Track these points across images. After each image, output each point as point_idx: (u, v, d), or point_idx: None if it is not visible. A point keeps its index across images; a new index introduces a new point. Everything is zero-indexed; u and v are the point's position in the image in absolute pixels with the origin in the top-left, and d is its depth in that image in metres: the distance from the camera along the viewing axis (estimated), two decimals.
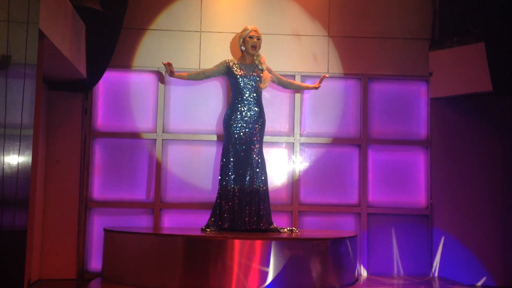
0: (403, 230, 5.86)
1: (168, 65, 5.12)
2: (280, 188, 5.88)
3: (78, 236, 5.63)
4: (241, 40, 5.34)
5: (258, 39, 5.29)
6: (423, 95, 6.05)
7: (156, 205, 5.77)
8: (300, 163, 5.92)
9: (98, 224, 5.69)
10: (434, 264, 5.78)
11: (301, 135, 5.94)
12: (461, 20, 5.82)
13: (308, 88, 5.68)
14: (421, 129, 6.03)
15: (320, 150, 5.96)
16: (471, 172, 5.89)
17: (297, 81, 5.87)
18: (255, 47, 5.28)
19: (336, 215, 5.87)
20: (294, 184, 5.86)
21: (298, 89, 5.81)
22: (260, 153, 5.25)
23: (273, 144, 5.90)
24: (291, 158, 5.93)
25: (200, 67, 5.87)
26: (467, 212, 5.84)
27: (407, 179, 5.97)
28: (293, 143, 5.92)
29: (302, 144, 5.93)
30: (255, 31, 5.30)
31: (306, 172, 5.92)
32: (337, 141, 5.97)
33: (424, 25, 6.07)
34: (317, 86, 5.58)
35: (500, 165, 5.89)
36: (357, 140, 5.97)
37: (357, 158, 5.97)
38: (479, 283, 5.67)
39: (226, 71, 5.30)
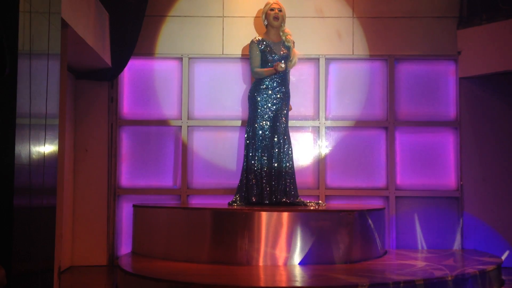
0: (432, 212, 5.77)
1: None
2: (307, 172, 5.85)
3: (107, 223, 5.71)
4: (264, 15, 5.37)
5: (280, 10, 5.31)
6: (452, 74, 5.92)
7: (183, 191, 5.81)
8: (326, 147, 5.87)
9: (127, 211, 5.77)
10: (464, 244, 5.68)
11: (326, 119, 5.88)
12: None
13: None
14: (450, 110, 5.91)
15: (346, 133, 5.90)
16: (502, 152, 5.76)
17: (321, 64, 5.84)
18: (277, 18, 5.29)
19: (364, 199, 5.82)
20: (321, 168, 5.82)
21: None
22: (286, 128, 5.26)
23: (298, 128, 5.86)
24: (316, 142, 5.88)
25: (224, 53, 5.88)
26: (498, 193, 5.72)
27: (436, 161, 5.87)
28: (319, 127, 5.87)
29: (327, 127, 5.88)
30: (276, 3, 5.33)
31: (332, 155, 5.87)
32: (363, 123, 5.89)
33: (451, 2, 5.92)
34: None
35: None
36: (384, 122, 5.88)
37: (384, 141, 5.89)
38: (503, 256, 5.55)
39: (259, 50, 5.28)
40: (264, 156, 5.18)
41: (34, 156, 3.01)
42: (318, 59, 5.89)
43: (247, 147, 5.25)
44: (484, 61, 5.62)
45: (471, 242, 5.69)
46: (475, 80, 5.81)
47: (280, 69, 5.14)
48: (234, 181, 5.59)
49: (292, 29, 5.62)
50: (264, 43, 5.28)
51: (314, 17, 5.93)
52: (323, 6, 5.93)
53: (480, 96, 5.82)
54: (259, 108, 5.23)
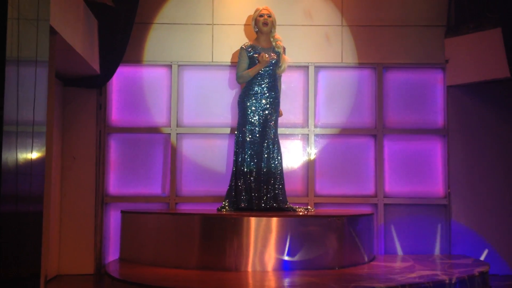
0: (421, 219, 5.79)
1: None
2: (296, 179, 5.85)
3: (95, 231, 5.66)
4: (253, 21, 5.39)
5: (269, 16, 5.33)
6: (440, 83, 5.96)
7: (172, 199, 5.78)
8: (315, 154, 5.88)
9: (114, 219, 5.72)
10: (452, 250, 5.71)
11: (315, 126, 5.89)
12: (477, 5, 5.71)
13: None
14: (438, 118, 5.95)
15: (335, 141, 5.91)
16: (489, 160, 5.80)
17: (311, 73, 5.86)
18: (267, 23, 5.31)
19: (353, 206, 5.82)
20: (310, 175, 5.83)
21: None
22: (276, 134, 5.27)
23: (288, 136, 5.87)
24: (306, 149, 5.89)
25: (213, 60, 5.88)
26: (485, 200, 5.76)
27: (424, 169, 5.90)
28: (308, 134, 5.88)
29: (317, 135, 5.89)
30: (265, 9, 5.36)
31: (322, 163, 5.88)
32: (352, 131, 5.91)
33: (439, 11, 5.97)
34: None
35: None
36: (373, 130, 5.91)
37: (373, 148, 5.91)
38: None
39: (248, 56, 5.29)
40: (253, 161, 5.18)
41: (21, 163, 2.98)
42: (308, 67, 5.91)
43: (236, 152, 5.25)
44: (471, 69, 5.67)
45: (458, 248, 5.72)
46: (463, 88, 5.86)
47: (265, 59, 5.15)
48: (223, 189, 5.57)
49: (281, 37, 5.65)
50: (254, 49, 5.30)
51: (304, 25, 5.96)
52: (312, 13, 5.96)
53: (468, 104, 5.86)
54: (248, 114, 5.23)
